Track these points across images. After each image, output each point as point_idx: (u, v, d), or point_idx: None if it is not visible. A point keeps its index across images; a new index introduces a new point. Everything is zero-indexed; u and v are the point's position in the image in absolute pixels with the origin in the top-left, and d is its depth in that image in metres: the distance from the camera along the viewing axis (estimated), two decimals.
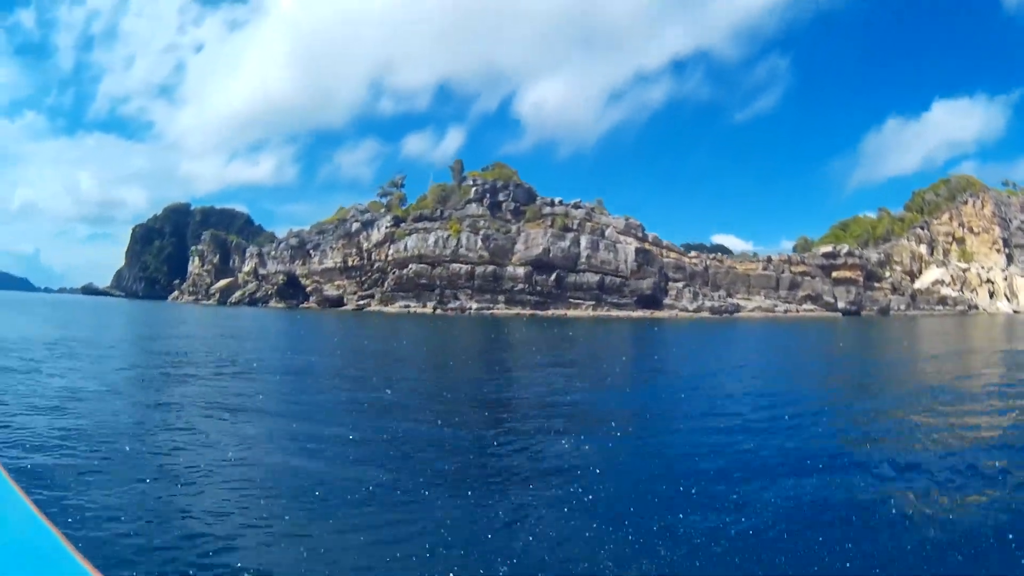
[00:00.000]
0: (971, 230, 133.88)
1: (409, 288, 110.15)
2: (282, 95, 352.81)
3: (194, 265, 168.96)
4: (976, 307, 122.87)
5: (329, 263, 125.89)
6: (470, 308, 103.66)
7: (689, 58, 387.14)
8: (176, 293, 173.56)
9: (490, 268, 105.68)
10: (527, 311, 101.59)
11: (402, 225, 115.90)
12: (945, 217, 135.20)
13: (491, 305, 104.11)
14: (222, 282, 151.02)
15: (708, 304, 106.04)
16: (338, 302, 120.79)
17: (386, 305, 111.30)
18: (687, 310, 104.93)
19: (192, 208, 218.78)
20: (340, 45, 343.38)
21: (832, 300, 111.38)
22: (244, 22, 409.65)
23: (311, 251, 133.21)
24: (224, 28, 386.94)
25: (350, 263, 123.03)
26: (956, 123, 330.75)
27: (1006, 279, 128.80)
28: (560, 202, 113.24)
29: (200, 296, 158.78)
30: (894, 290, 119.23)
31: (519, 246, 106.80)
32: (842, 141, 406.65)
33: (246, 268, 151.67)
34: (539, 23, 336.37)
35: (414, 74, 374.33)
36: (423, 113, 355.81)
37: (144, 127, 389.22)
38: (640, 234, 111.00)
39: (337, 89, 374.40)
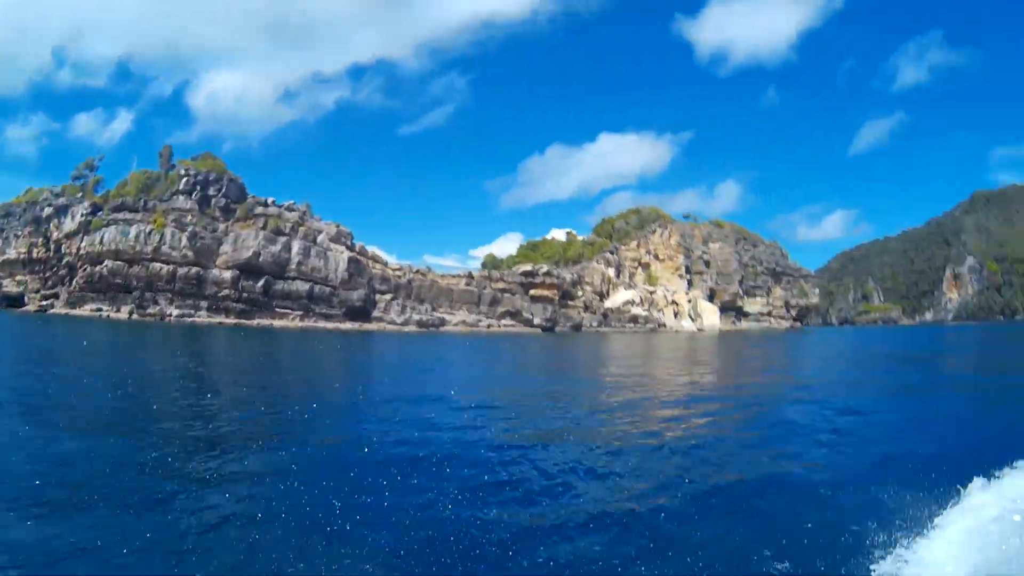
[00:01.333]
0: (657, 257, 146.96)
1: (102, 288, 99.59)
2: None
3: None
4: (664, 325, 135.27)
5: (11, 253, 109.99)
6: (170, 314, 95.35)
7: (369, 67, 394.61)
8: None
9: (194, 270, 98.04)
10: (231, 319, 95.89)
11: (100, 214, 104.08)
12: (634, 244, 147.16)
13: (193, 312, 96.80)
14: None
15: (416, 318, 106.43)
16: (18, 301, 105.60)
17: (74, 307, 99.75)
18: (395, 323, 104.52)
19: None
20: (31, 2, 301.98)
21: (530, 316, 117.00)
22: None
23: None
24: None
25: (36, 255, 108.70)
26: (619, 156, 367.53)
27: (690, 301, 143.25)
28: (273, 202, 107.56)
29: None
30: (586, 308, 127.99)
31: (227, 247, 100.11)
32: (505, 162, 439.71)
33: None
34: (229, 10, 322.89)
35: (100, 46, 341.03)
36: (99, 90, 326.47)
37: None
38: (350, 243, 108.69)
39: (22, 51, 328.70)
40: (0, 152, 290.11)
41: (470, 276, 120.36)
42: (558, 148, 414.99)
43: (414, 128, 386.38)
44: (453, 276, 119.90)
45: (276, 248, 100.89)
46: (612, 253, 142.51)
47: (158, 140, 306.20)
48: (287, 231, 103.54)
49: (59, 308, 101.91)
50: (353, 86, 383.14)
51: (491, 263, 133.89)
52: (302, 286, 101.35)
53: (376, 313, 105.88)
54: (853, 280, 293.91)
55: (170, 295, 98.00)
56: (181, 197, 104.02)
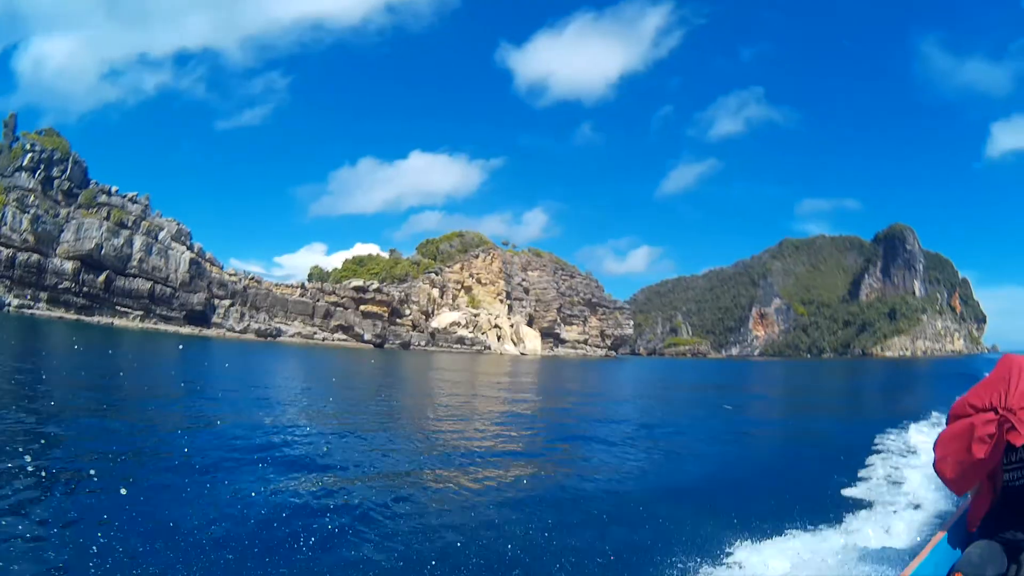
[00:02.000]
0: (479, 281, 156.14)
1: None
2: None
3: None
4: (489, 347, 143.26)
5: None
6: (9, 304, 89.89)
7: (195, 54, 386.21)
8: None
9: (34, 257, 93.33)
10: (72, 315, 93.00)
11: None
12: (457, 267, 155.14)
13: (33, 303, 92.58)
14: None
15: (255, 326, 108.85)
16: None
17: None
18: (235, 331, 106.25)
19: None
20: None
21: (361, 332, 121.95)
22: None
23: None
24: None
25: None
26: (430, 175, 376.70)
27: (512, 326, 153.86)
28: (116, 191, 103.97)
29: None
30: (414, 327, 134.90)
31: (68, 235, 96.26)
32: (315, 169, 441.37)
33: None
34: None
35: None
36: None
37: None
38: (188, 242, 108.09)
39: None
40: None
41: (303, 287, 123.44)
42: (369, 161, 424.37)
43: (230, 124, 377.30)
44: (287, 286, 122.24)
45: (119, 242, 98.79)
46: (437, 274, 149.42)
47: None
48: (130, 224, 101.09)
49: None
50: (177, 72, 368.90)
51: (318, 275, 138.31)
52: (143, 284, 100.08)
53: (216, 319, 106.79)
54: (661, 314, 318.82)
55: (8, 282, 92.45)
56: (24, 174, 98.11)
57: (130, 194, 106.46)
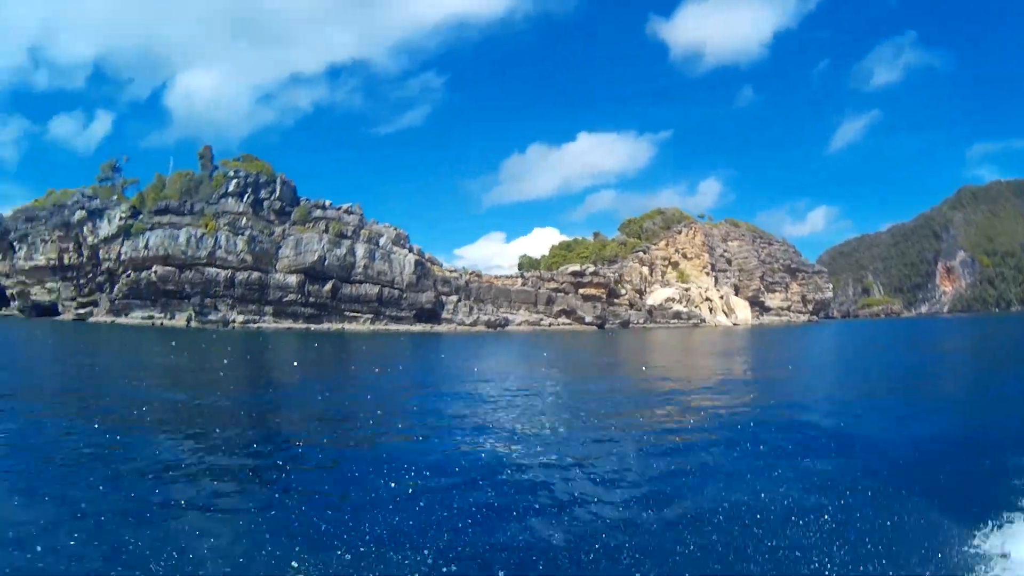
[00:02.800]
0: (685, 255, 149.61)
1: (150, 295, 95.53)
2: None
3: None
4: (703, 320, 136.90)
5: (40, 259, 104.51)
6: (234, 321, 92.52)
7: (346, 67, 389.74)
8: None
9: (255, 275, 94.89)
10: (300, 324, 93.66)
11: (140, 217, 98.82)
12: (663, 243, 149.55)
13: (258, 317, 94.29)
14: None
15: (484, 318, 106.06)
16: (51, 310, 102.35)
17: (119, 315, 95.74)
18: (464, 324, 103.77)
19: None
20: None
21: (583, 314, 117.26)
22: None
23: (16, 243, 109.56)
24: None
25: (67, 261, 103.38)
26: (600, 155, 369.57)
27: (722, 297, 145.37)
28: (330, 205, 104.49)
29: None
30: (631, 306, 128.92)
31: (287, 251, 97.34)
32: (484, 161, 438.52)
33: None
34: (201, 10, 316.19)
35: (75, 46, 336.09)
36: (76, 92, 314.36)
37: None
38: (408, 245, 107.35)
39: None
40: None
41: (522, 277, 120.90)
42: (538, 147, 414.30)
43: (391, 128, 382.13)
44: (507, 277, 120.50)
45: (341, 251, 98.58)
46: (645, 252, 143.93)
47: (137, 142, 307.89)
48: (349, 234, 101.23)
49: (100, 316, 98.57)
50: (330, 86, 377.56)
51: (528, 263, 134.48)
52: (371, 289, 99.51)
53: (445, 315, 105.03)
54: (851, 275, 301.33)
55: (230, 301, 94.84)
56: (231, 200, 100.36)
57: (345, 206, 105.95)
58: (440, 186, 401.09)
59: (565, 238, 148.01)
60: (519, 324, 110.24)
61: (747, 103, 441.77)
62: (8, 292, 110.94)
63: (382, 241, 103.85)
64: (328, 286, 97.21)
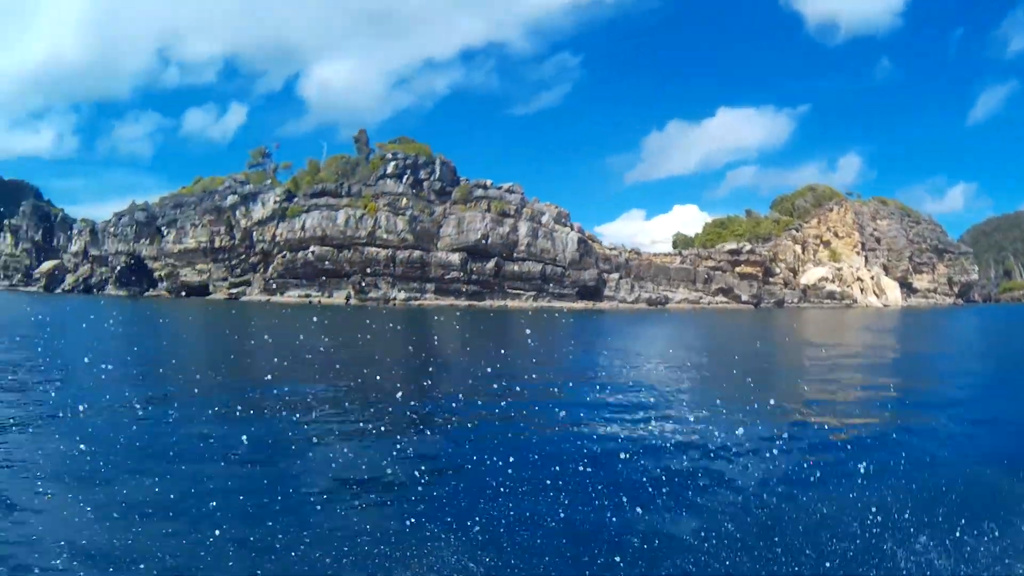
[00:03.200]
0: (836, 234, 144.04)
1: (307, 274, 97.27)
2: (69, 59, 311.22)
3: (5, 244, 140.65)
4: (855, 301, 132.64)
5: (190, 243, 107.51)
6: (395, 298, 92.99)
7: (480, 49, 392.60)
8: None
9: (416, 253, 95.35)
10: (463, 301, 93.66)
11: (295, 200, 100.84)
12: (814, 221, 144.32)
13: (419, 295, 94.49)
14: (47, 264, 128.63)
15: (645, 296, 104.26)
16: (201, 290, 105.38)
17: (273, 294, 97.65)
18: (626, 301, 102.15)
19: None
20: (130, 7, 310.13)
21: (739, 293, 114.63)
22: None
23: (164, 228, 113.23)
24: None
25: (218, 244, 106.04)
26: (740, 130, 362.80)
27: (872, 277, 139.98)
28: (491, 184, 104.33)
29: (17, 281, 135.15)
30: (785, 284, 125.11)
31: (450, 230, 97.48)
32: (624, 139, 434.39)
33: (73, 247, 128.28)
34: (331, 1, 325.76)
35: (203, 45, 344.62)
36: (208, 87, 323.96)
37: None
38: (568, 223, 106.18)
39: (124, 55, 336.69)
40: (115, 150, 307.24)
41: (680, 255, 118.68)
42: (678, 124, 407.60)
43: (529, 109, 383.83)
44: (665, 255, 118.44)
45: (504, 230, 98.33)
46: (797, 231, 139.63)
47: (273, 130, 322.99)
48: (511, 213, 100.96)
49: (254, 295, 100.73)
50: (466, 69, 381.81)
51: (682, 242, 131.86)
52: (534, 267, 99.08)
53: (608, 292, 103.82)
54: (992, 256, 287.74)
55: (390, 279, 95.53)
56: (390, 181, 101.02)
57: (506, 185, 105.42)
58: (580, 165, 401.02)
59: (706, 216, 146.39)
60: (679, 302, 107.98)
61: (884, 75, 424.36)
62: (156, 274, 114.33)
63: (544, 219, 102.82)
64: (491, 264, 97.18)
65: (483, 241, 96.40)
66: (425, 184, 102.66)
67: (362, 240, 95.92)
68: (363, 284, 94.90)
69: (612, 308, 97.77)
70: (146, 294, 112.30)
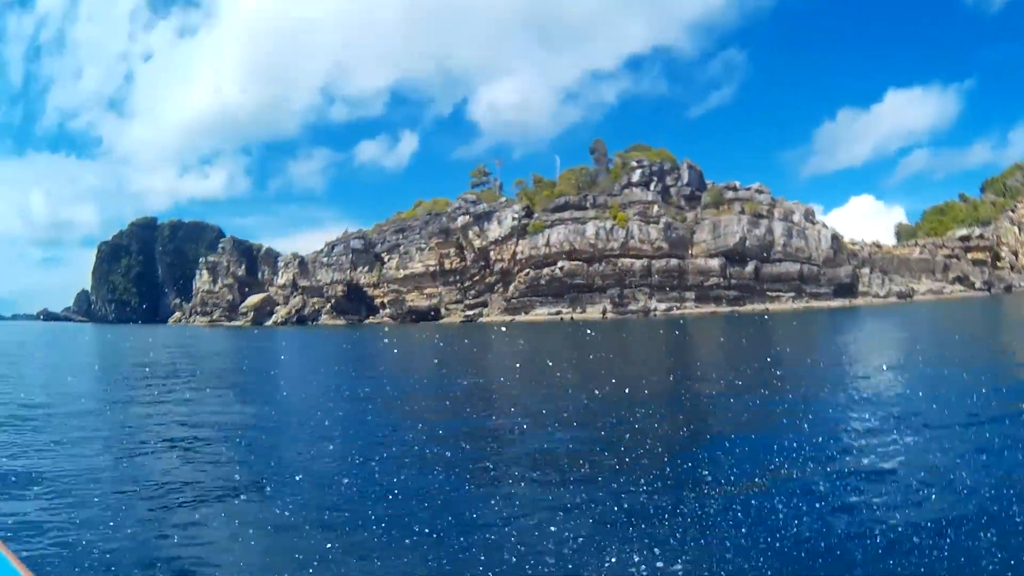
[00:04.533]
0: None
1: (554, 291, 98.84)
2: (234, 104, 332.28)
3: (202, 280, 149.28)
4: None
5: (416, 267, 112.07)
6: (655, 309, 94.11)
7: (646, 56, 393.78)
8: (177, 315, 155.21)
9: (673, 262, 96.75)
10: (724, 308, 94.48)
11: (536, 216, 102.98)
12: None
13: (678, 303, 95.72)
14: (255, 298, 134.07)
15: (895, 289, 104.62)
16: (430, 314, 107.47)
17: (517, 313, 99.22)
18: (879, 296, 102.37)
19: (159, 223, 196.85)
20: (293, 50, 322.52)
21: (973, 280, 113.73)
22: (195, 28, 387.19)
23: (384, 254, 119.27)
24: (175, 34, 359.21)
25: (448, 266, 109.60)
26: (909, 113, 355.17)
27: None
28: (739, 186, 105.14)
29: (218, 316, 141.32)
30: (1011, 268, 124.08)
31: (704, 235, 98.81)
32: (796, 132, 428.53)
33: (280, 280, 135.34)
34: (492, 23, 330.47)
35: (367, 79, 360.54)
36: (376, 119, 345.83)
37: (93, 142, 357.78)
38: (815, 220, 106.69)
39: (289, 96, 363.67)
40: (288, 185, 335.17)
41: (916, 245, 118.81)
42: (848, 111, 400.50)
43: (702, 110, 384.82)
44: (903, 246, 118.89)
45: (760, 231, 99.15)
46: (1013, 212, 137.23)
47: (444, 155, 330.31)
48: (764, 213, 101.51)
49: (494, 316, 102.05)
50: (634, 76, 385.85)
51: (905, 232, 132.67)
52: (792, 267, 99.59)
53: (861, 288, 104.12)
54: None
55: (647, 289, 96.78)
56: (636, 190, 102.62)
57: (755, 185, 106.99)
58: (755, 162, 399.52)
59: (882, 206, 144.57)
60: (924, 293, 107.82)
61: None
62: (376, 301, 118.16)
63: (796, 218, 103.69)
64: (750, 267, 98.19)
65: (741, 244, 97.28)
66: (672, 190, 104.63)
67: (615, 252, 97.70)
68: (621, 296, 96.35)
69: (867, 303, 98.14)
70: (366, 321, 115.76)
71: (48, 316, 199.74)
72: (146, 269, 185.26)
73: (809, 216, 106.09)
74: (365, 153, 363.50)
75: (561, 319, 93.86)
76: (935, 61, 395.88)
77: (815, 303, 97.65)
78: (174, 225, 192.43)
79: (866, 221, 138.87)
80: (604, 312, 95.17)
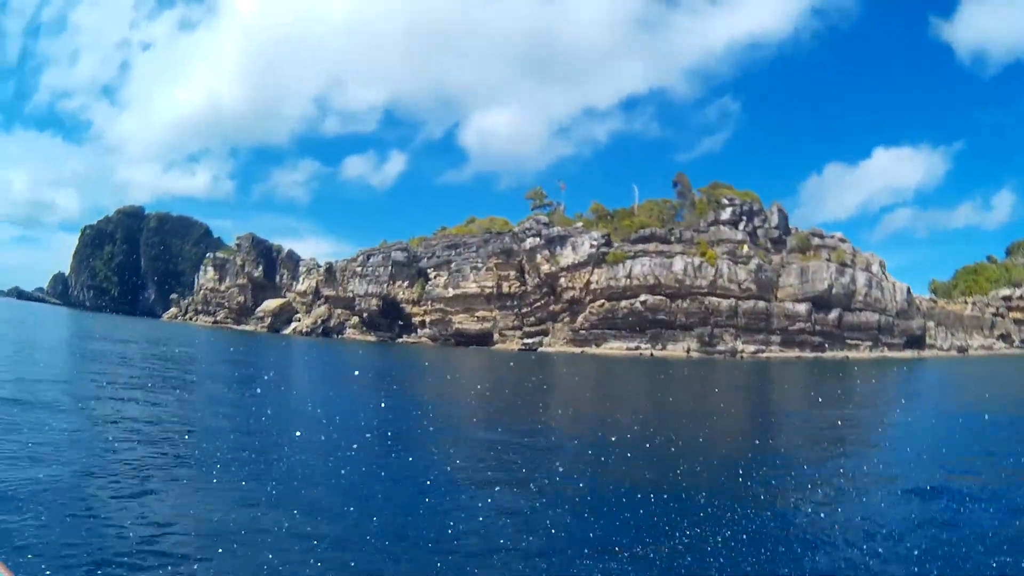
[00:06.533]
0: None
1: (628, 324, 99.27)
2: (228, 105, 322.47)
3: (207, 277, 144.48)
4: None
5: (470, 287, 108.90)
6: (742, 351, 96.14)
7: (641, 97, 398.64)
8: (174, 311, 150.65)
9: (760, 304, 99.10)
10: (808, 353, 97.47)
11: (616, 246, 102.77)
12: None
13: (764, 346, 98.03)
14: (273, 303, 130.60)
15: (956, 343, 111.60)
16: (480, 339, 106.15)
17: (586, 345, 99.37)
18: (943, 349, 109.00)
19: (147, 213, 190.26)
20: (291, 57, 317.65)
21: (1014, 338, 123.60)
22: (197, 23, 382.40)
23: (429, 270, 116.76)
24: (175, 27, 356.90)
25: (507, 289, 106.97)
26: (896, 171, 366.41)
27: None
28: (824, 233, 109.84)
29: (224, 317, 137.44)
30: None
31: (792, 279, 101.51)
32: (783, 183, 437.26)
33: (301, 286, 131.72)
34: (492, 51, 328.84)
35: (362, 94, 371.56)
36: (367, 135, 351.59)
37: (82, 127, 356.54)
38: (886, 271, 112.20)
39: (283, 103, 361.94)
40: (271, 193, 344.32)
41: (965, 302, 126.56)
42: (835, 166, 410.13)
43: (692, 155, 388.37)
44: (957, 303, 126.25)
45: (845, 280, 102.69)
46: None
47: (430, 178, 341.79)
48: (848, 263, 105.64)
49: (557, 346, 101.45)
50: (626, 117, 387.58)
51: (941, 290, 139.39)
52: (871, 316, 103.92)
53: (928, 340, 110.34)
54: None
55: (734, 331, 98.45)
56: (725, 228, 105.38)
57: (837, 234, 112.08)
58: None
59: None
60: (976, 348, 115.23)
61: None
62: (416, 319, 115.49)
63: (874, 269, 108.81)
64: (834, 314, 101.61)
65: (828, 291, 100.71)
66: (760, 231, 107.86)
67: (702, 289, 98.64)
68: (711, 336, 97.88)
69: (933, 356, 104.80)
70: (399, 340, 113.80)
71: (21, 295, 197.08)
72: (129, 259, 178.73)
73: (883, 268, 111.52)
74: (352, 169, 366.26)
75: (640, 354, 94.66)
76: (926, 121, 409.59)
77: (888, 353, 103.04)
78: (161, 217, 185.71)
79: None
80: (688, 350, 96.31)
